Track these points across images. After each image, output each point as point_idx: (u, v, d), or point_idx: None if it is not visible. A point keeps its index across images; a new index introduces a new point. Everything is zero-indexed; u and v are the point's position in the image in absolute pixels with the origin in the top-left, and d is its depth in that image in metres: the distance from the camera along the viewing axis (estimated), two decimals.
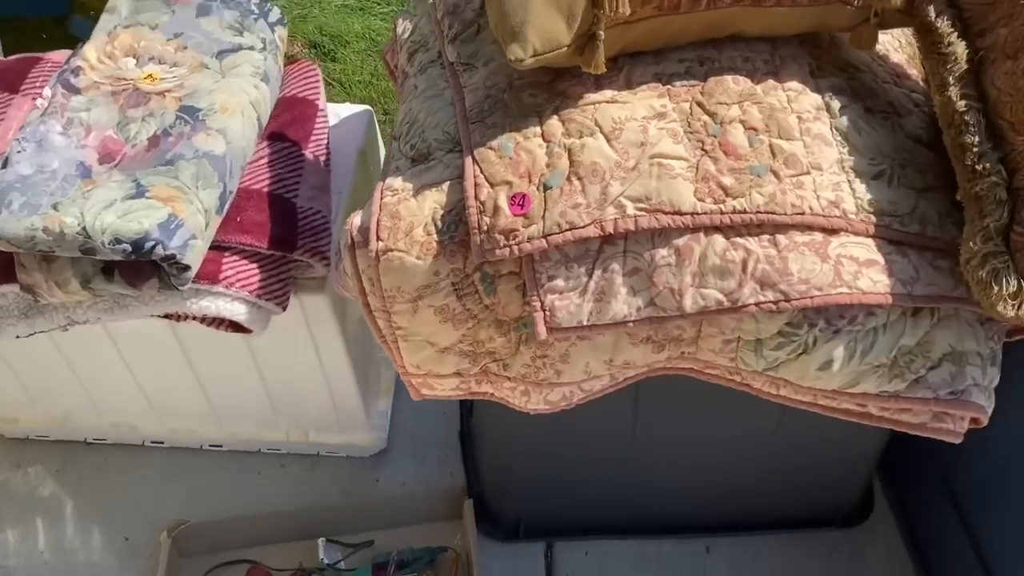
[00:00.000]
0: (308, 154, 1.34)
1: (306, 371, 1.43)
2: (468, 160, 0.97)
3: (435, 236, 0.97)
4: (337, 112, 1.53)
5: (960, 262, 0.93)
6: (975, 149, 0.93)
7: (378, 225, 0.98)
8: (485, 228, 0.93)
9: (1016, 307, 0.89)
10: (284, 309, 1.25)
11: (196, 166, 1.16)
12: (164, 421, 1.60)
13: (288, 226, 1.24)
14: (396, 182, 1.01)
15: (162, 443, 1.65)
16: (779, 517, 1.52)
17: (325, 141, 1.39)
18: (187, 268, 1.12)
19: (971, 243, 0.92)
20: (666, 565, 1.49)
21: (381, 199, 1.00)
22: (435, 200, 0.98)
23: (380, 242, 0.97)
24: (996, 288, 0.90)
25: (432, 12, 1.22)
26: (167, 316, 1.24)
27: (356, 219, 1.01)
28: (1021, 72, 0.91)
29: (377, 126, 1.60)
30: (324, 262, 1.26)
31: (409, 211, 0.98)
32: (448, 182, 0.99)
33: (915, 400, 0.98)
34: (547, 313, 0.95)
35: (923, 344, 0.97)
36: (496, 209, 0.93)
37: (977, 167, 0.93)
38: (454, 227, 0.97)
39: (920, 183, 1.00)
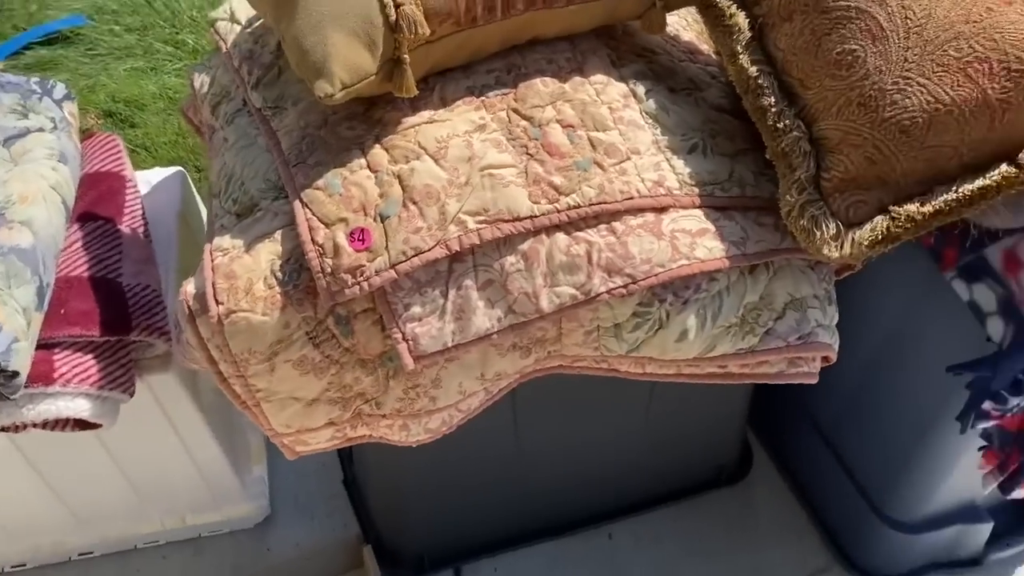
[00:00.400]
0: (124, 228, 1.27)
1: (168, 453, 1.35)
2: (297, 204, 0.95)
3: (278, 288, 0.93)
4: (147, 179, 1.45)
5: (782, 215, 0.99)
6: (773, 109, 0.99)
7: (214, 289, 0.93)
8: (329, 270, 0.91)
9: (839, 247, 0.96)
10: (131, 395, 1.17)
11: (4, 264, 1.07)
12: (21, 541, 1.47)
13: (118, 308, 1.17)
14: (225, 241, 0.97)
15: (24, 565, 1.52)
16: (670, 489, 1.57)
17: (140, 212, 1.32)
18: (15, 375, 1.03)
19: (788, 196, 0.98)
20: (574, 561, 1.51)
21: (212, 261, 0.96)
22: (270, 252, 0.95)
23: (220, 306, 0.93)
24: (818, 233, 0.96)
25: (228, 61, 1.18)
26: (3, 429, 1.13)
27: (189, 287, 0.96)
28: (798, 32, 0.98)
29: (192, 185, 1.53)
30: (164, 337, 1.20)
31: (245, 268, 0.94)
32: (280, 231, 0.96)
33: (769, 351, 1.03)
34: (410, 343, 0.93)
35: (765, 298, 1.02)
36: (337, 248, 0.91)
37: (778, 125, 0.99)
38: (296, 275, 0.94)
39: (731, 149, 1.06)
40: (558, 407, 1.28)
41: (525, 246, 0.95)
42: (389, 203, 0.93)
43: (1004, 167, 0.92)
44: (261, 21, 1.18)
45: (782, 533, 1.54)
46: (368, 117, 1.01)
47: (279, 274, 0.94)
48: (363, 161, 0.97)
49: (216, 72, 1.22)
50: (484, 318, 0.95)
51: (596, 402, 1.30)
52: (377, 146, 0.97)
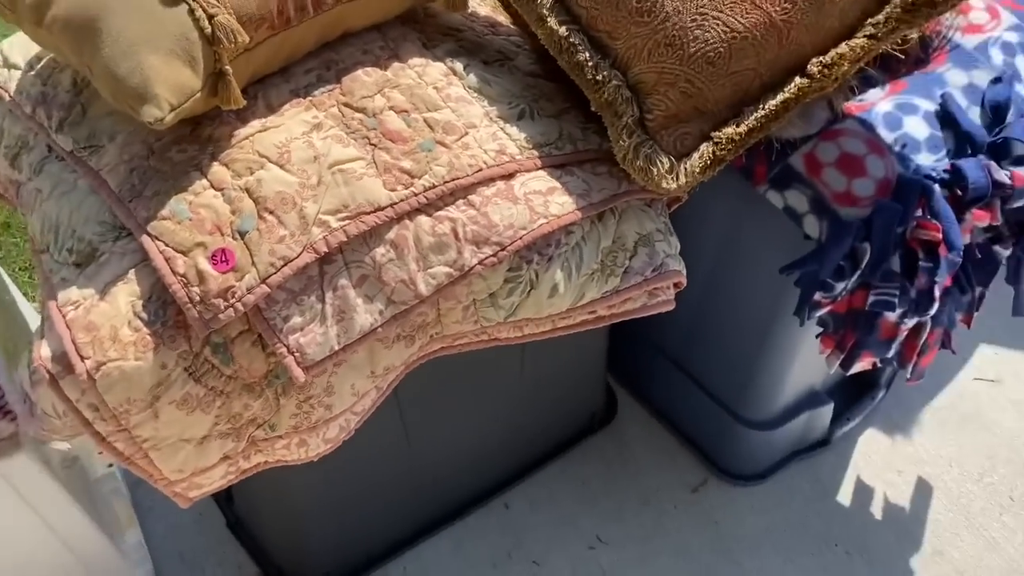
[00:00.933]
0: None
1: (34, 540, 1.24)
2: (145, 239, 0.90)
3: (146, 329, 0.88)
4: None
5: (617, 160, 1.06)
6: (590, 63, 1.05)
7: (75, 344, 0.87)
8: (198, 298, 0.87)
9: (675, 178, 1.03)
10: None
11: None
12: None
13: None
14: (72, 293, 0.91)
15: None
16: (551, 446, 1.62)
17: None
18: None
19: (620, 141, 1.04)
20: (477, 538, 1.53)
21: (64, 317, 0.89)
22: (128, 293, 0.90)
23: (87, 360, 0.87)
24: (655, 170, 1.03)
25: (16, 109, 1.09)
26: None
27: (43, 350, 0.89)
28: None
29: None
30: (8, 417, 1.09)
31: (104, 316, 0.88)
32: (132, 270, 0.91)
33: (631, 288, 1.09)
34: (297, 354, 0.92)
35: (618, 240, 1.08)
36: (201, 275, 0.88)
37: (597, 78, 1.05)
38: (162, 312, 0.89)
39: (554, 110, 1.11)
40: (440, 391, 1.29)
41: (392, 235, 0.95)
42: (244, 218, 0.91)
43: (798, 79, 1.03)
44: (45, 61, 1.10)
45: (658, 459, 1.64)
46: (197, 137, 0.97)
47: (143, 314, 0.89)
48: (204, 182, 0.93)
49: (2, 123, 1.12)
50: (366, 314, 0.95)
51: (474, 380, 1.32)
52: (215, 164, 0.94)
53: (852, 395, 1.67)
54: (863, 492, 1.61)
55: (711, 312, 1.47)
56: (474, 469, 1.51)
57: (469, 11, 1.25)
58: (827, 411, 1.59)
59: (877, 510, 1.59)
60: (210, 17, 0.89)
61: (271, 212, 0.91)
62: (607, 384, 1.67)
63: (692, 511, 1.58)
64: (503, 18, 1.27)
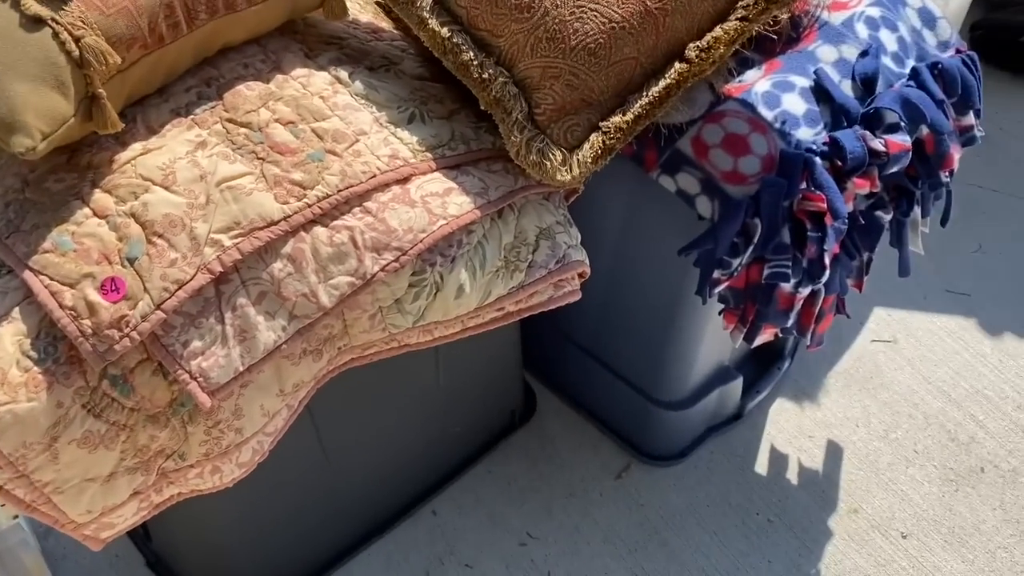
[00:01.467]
0: None
1: None
2: (28, 274, 0.86)
3: (36, 368, 0.85)
4: None
5: (511, 156, 1.07)
6: (475, 62, 1.05)
7: None
8: (90, 331, 0.84)
9: (569, 170, 1.05)
10: None
11: None
12: None
13: None
14: None
15: None
16: (474, 448, 1.62)
17: None
18: None
19: (512, 138, 1.05)
20: (408, 548, 1.52)
21: None
22: (14, 333, 0.85)
23: None
24: (548, 163, 1.04)
25: None
26: None
27: None
28: None
29: None
30: None
31: None
32: (17, 308, 0.87)
33: (536, 282, 1.10)
34: (200, 379, 0.89)
35: (519, 235, 1.09)
36: (91, 306, 0.84)
37: (484, 76, 1.05)
38: (53, 348, 0.86)
39: (444, 111, 1.11)
40: (355, 404, 1.28)
41: (288, 248, 0.94)
42: (132, 244, 0.88)
43: (677, 65, 1.06)
44: None
45: (581, 450, 1.66)
46: (75, 165, 0.93)
47: (33, 353, 0.85)
48: (87, 210, 0.90)
49: None
50: (269, 332, 0.93)
51: (389, 386, 1.31)
52: (97, 191, 0.91)
53: (760, 368, 1.73)
54: (778, 460, 1.66)
55: (618, 299, 1.49)
56: (398, 479, 1.50)
57: (350, 19, 1.23)
58: (737, 386, 1.64)
59: (793, 476, 1.64)
60: (76, 40, 0.86)
61: (160, 236, 0.88)
62: (524, 380, 1.68)
63: (617, 497, 1.60)
64: (386, 24, 1.27)
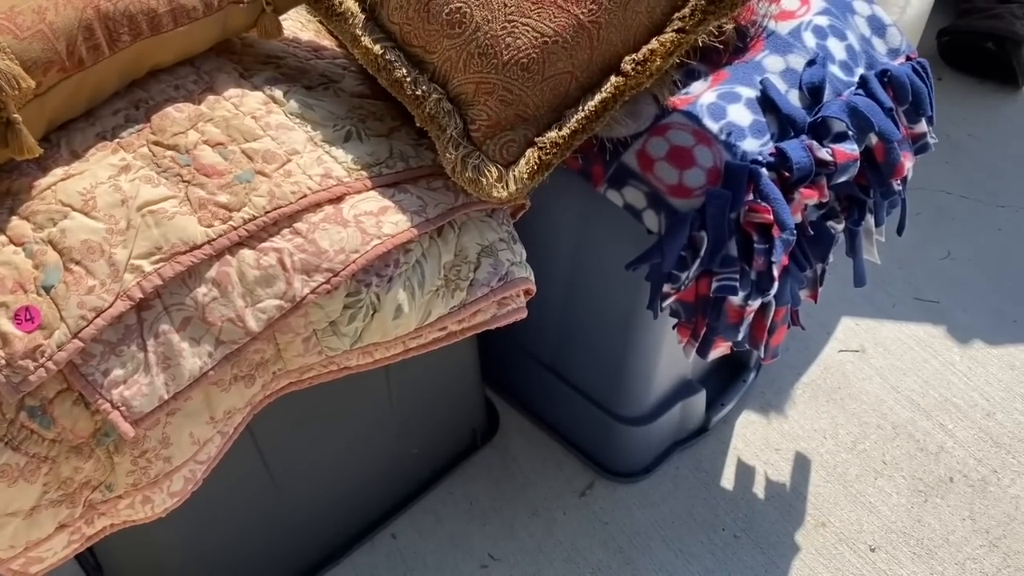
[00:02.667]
0: None
1: None
2: None
3: None
4: None
5: (448, 174, 1.05)
6: (408, 79, 1.04)
7: None
8: (3, 362, 0.82)
9: (505, 187, 1.03)
10: None
11: None
12: None
13: None
14: None
15: None
16: (435, 469, 1.60)
17: None
18: None
19: (447, 154, 1.04)
20: (367, 574, 1.49)
21: None
22: None
23: None
24: (483, 180, 1.03)
25: None
26: None
27: None
28: (405, 4, 1.03)
29: None
30: None
31: None
32: None
33: (478, 300, 1.08)
34: (122, 408, 0.87)
35: (459, 254, 1.07)
36: (4, 337, 0.82)
37: (417, 93, 1.04)
38: None
39: (384, 129, 1.10)
40: (301, 427, 1.25)
41: (212, 272, 0.92)
42: (48, 272, 0.86)
43: (613, 78, 1.04)
44: None
45: (545, 468, 1.64)
46: None
47: None
48: (2, 238, 0.88)
49: None
50: (194, 358, 0.91)
51: (337, 408, 1.29)
52: (14, 218, 0.89)
53: (724, 380, 1.71)
54: (745, 474, 1.64)
55: (575, 315, 1.47)
56: (354, 503, 1.47)
57: (291, 37, 1.22)
58: (700, 399, 1.62)
59: (760, 490, 1.62)
60: None
61: (77, 263, 0.86)
62: (486, 398, 1.66)
63: (581, 515, 1.58)
64: (328, 42, 1.25)
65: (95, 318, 0.85)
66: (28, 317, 0.84)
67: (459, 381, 1.53)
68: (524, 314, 1.16)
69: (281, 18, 1.11)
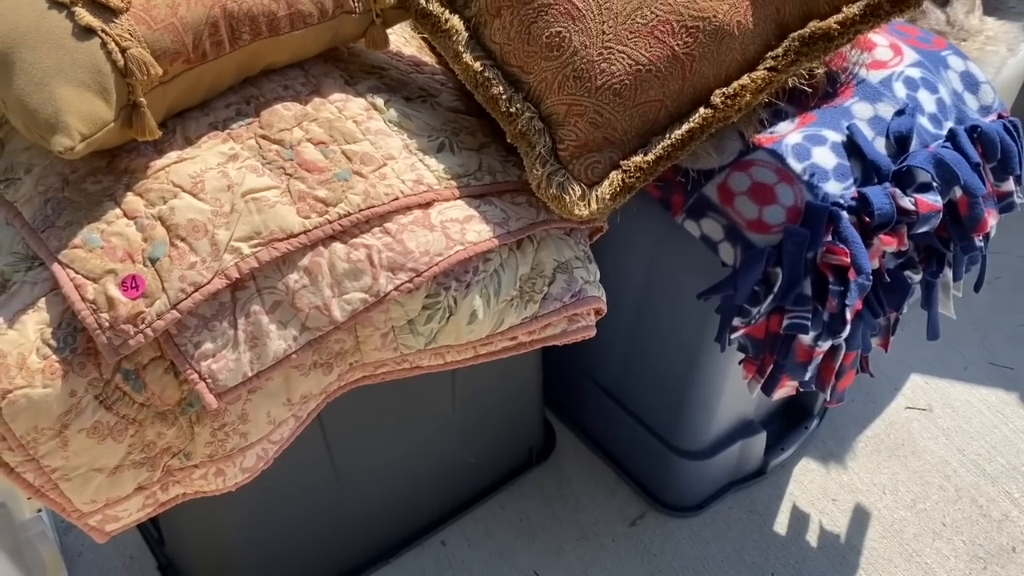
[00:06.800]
0: None
1: None
2: (56, 267, 0.90)
3: (54, 356, 0.88)
4: None
5: (533, 190, 1.09)
6: (503, 97, 1.08)
7: None
8: (107, 324, 0.88)
9: (587, 205, 1.06)
10: None
11: None
12: None
13: None
14: None
15: None
16: (489, 482, 1.62)
17: None
18: None
19: (534, 171, 1.08)
20: None
21: None
22: (37, 321, 0.90)
23: None
24: (567, 197, 1.06)
25: None
26: None
27: None
28: (508, 25, 1.08)
29: None
30: None
31: (12, 344, 0.88)
32: (43, 298, 0.91)
33: (550, 314, 1.11)
34: (209, 381, 0.92)
35: (536, 267, 1.11)
36: (111, 301, 0.88)
37: (511, 110, 1.08)
38: (71, 339, 0.89)
39: (475, 143, 1.14)
40: (368, 425, 1.29)
41: (305, 261, 0.97)
42: (155, 245, 0.92)
43: (702, 110, 1.07)
44: None
45: (597, 493, 1.65)
46: (112, 169, 0.98)
47: (52, 342, 0.89)
48: (118, 211, 0.94)
49: None
50: (279, 341, 0.95)
51: (404, 411, 1.33)
52: (129, 194, 0.95)
53: (786, 425, 1.70)
54: (799, 521, 1.62)
55: (641, 342, 1.49)
56: (409, 506, 1.50)
57: (394, 51, 1.28)
58: (760, 440, 1.61)
59: (813, 539, 1.60)
60: (122, 50, 0.91)
61: (183, 239, 0.92)
62: (544, 418, 1.68)
63: (630, 544, 1.58)
64: (428, 58, 1.31)
65: (193, 292, 0.90)
66: (134, 285, 0.89)
67: (521, 398, 1.55)
68: (593, 332, 1.18)
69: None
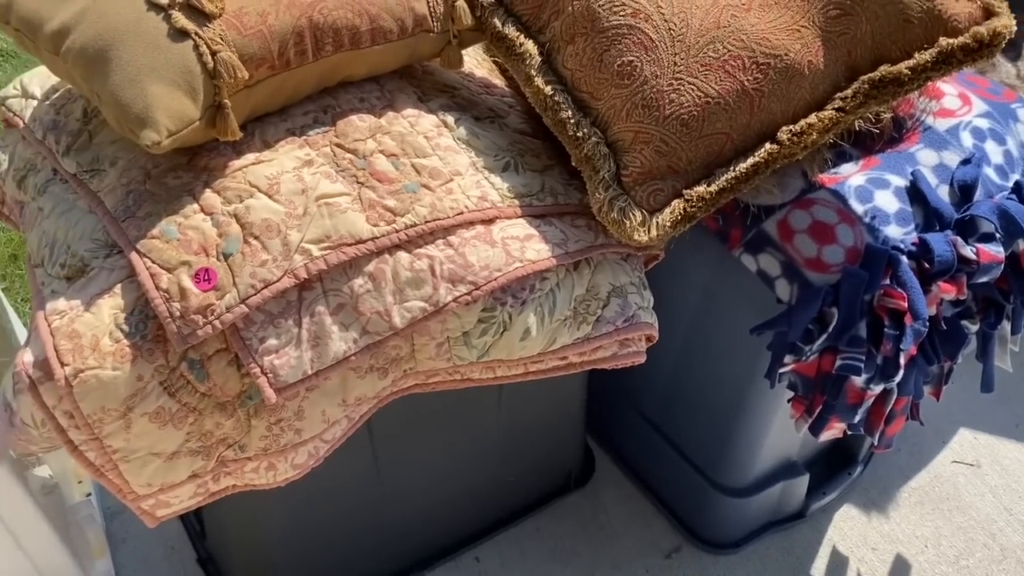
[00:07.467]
0: None
1: (3, 558, 1.24)
2: (134, 255, 0.94)
3: (125, 341, 0.92)
4: None
5: (593, 212, 1.10)
6: (571, 121, 1.11)
7: (57, 351, 0.91)
8: (178, 313, 0.91)
9: (647, 231, 1.08)
10: None
11: None
12: None
13: None
14: (59, 304, 0.95)
15: None
16: (526, 502, 1.63)
17: None
18: None
19: (596, 194, 1.09)
20: None
21: (48, 325, 0.93)
22: (112, 306, 0.93)
23: (66, 367, 0.90)
24: (627, 222, 1.08)
25: (28, 135, 1.15)
26: None
27: (25, 356, 0.93)
28: (581, 52, 1.10)
29: None
30: None
31: (87, 325, 0.92)
32: (119, 284, 0.95)
33: (602, 336, 1.13)
34: (270, 375, 0.95)
35: (591, 289, 1.12)
36: (183, 291, 0.92)
37: (578, 134, 1.11)
38: (143, 325, 0.93)
39: (539, 165, 1.17)
40: (414, 435, 1.31)
41: (370, 267, 0.99)
42: (229, 241, 0.95)
43: (768, 145, 1.08)
44: (60, 92, 1.17)
45: (633, 523, 1.64)
46: (193, 166, 1.02)
47: (125, 326, 0.92)
48: (196, 206, 0.98)
49: (14, 148, 1.18)
50: (340, 342, 0.98)
51: (449, 424, 1.34)
52: (208, 190, 0.99)
53: (829, 469, 1.68)
54: (836, 567, 1.60)
55: (688, 374, 1.49)
56: (446, 518, 1.51)
57: (466, 72, 1.32)
58: (803, 482, 1.59)
59: None
60: (213, 53, 0.95)
61: (256, 237, 0.96)
62: (585, 443, 1.68)
63: None
64: (499, 81, 1.34)
65: (263, 288, 0.94)
66: (206, 278, 0.93)
67: (563, 421, 1.56)
68: (643, 358, 1.19)
69: None
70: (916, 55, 1.06)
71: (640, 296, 1.16)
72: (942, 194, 1.22)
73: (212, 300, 0.92)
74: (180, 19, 0.95)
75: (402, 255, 1.01)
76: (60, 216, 1.05)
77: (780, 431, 1.46)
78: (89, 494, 1.54)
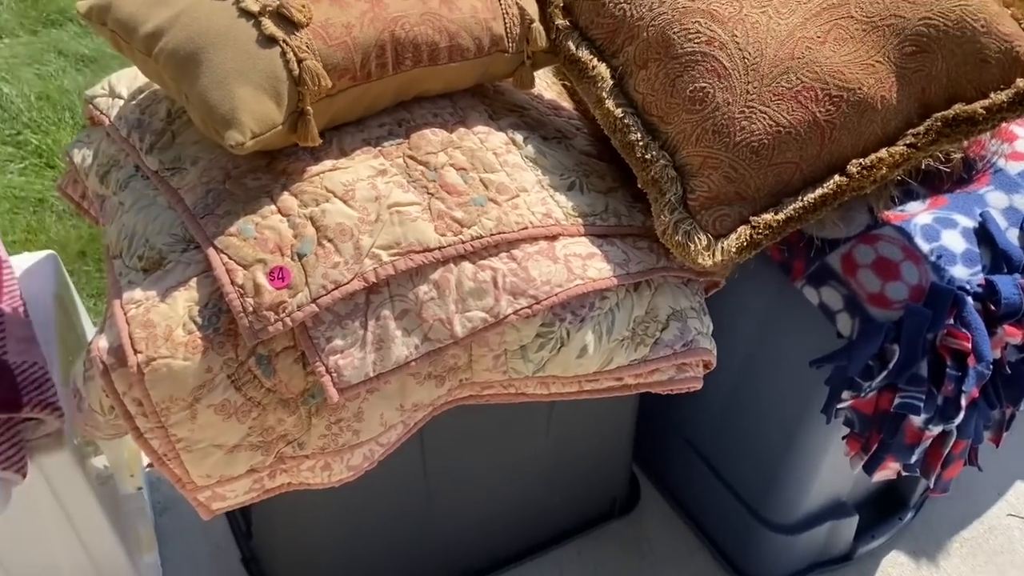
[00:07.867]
0: (5, 307, 1.23)
1: (58, 542, 1.28)
2: (211, 251, 0.97)
3: (198, 333, 0.95)
4: (18, 264, 1.41)
5: (658, 236, 1.11)
6: (640, 143, 1.12)
7: (131, 339, 0.94)
8: (251, 309, 0.94)
9: (711, 256, 1.08)
10: (24, 476, 1.12)
11: None
12: None
13: (6, 385, 1.12)
14: (136, 294, 0.98)
15: None
16: (569, 526, 1.62)
17: (17, 292, 1.28)
18: None
19: (662, 217, 1.10)
20: None
21: (125, 314, 0.96)
22: (187, 299, 0.96)
23: (139, 355, 0.93)
24: (692, 246, 1.08)
25: (114, 133, 1.20)
26: None
27: (100, 342, 0.96)
28: (654, 77, 1.12)
29: (64, 269, 1.50)
30: (56, 414, 1.15)
31: (162, 316, 0.95)
32: (195, 278, 0.98)
33: (659, 359, 1.13)
34: (334, 375, 0.97)
35: (651, 311, 1.13)
36: (257, 288, 0.94)
37: (646, 157, 1.12)
38: (215, 319, 0.96)
39: (603, 186, 1.18)
40: (464, 448, 1.32)
41: (436, 275, 1.01)
42: (304, 242, 0.98)
43: (837, 177, 1.08)
44: (146, 93, 1.21)
45: (675, 554, 1.63)
46: (271, 169, 1.05)
47: (198, 319, 0.95)
48: (273, 207, 1.01)
49: (99, 145, 1.23)
50: (402, 347, 1.00)
51: (499, 440, 1.35)
52: (285, 193, 1.02)
53: (880, 513, 1.65)
54: None
55: (740, 406, 1.48)
56: (489, 536, 1.51)
57: (536, 93, 1.34)
58: (851, 523, 1.57)
59: None
60: (299, 61, 0.98)
61: (330, 240, 0.98)
62: (631, 471, 1.68)
63: None
64: (567, 104, 1.36)
65: (333, 289, 0.96)
66: (280, 276, 0.95)
67: (611, 446, 1.56)
68: (699, 384, 1.19)
69: None
70: (992, 95, 1.06)
71: (700, 321, 1.16)
72: (1011, 237, 1.21)
73: (285, 298, 0.95)
74: (270, 26, 0.99)
75: (466, 265, 1.02)
76: (140, 211, 1.08)
77: (831, 468, 1.44)
78: (140, 488, 1.57)
